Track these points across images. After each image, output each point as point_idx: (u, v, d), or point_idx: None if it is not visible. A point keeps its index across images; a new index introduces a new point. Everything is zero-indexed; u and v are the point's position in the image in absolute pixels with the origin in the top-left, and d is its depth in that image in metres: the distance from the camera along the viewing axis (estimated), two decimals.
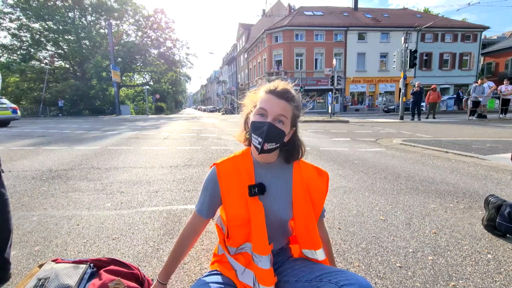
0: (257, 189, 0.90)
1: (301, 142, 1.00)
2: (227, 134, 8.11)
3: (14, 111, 11.39)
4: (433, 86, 13.79)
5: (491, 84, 12.47)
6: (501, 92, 12.20)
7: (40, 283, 0.96)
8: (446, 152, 4.77)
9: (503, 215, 1.72)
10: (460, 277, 1.35)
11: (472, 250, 1.61)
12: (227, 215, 0.94)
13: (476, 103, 12.63)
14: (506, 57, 32.22)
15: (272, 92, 0.89)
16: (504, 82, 12.16)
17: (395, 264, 1.46)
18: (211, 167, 1.00)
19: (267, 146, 0.87)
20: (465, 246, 1.65)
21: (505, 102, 12.43)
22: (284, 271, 0.96)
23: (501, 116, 12.57)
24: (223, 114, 31.71)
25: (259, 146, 0.87)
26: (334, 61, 17.76)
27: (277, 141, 0.88)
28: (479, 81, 12.78)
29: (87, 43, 30.83)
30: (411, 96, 13.80)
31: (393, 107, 24.83)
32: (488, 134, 7.28)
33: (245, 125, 1.00)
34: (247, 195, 0.91)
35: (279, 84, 0.91)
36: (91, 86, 29.42)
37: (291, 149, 0.98)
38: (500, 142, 5.75)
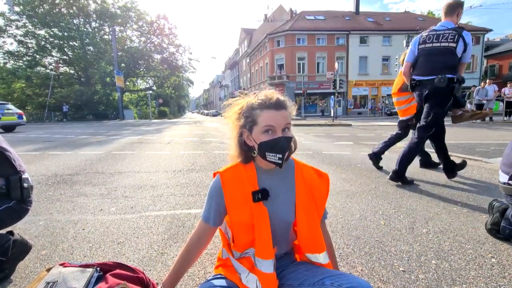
0: (261, 195, 0.92)
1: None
2: (229, 139, 8.12)
3: (20, 116, 11.56)
4: None
5: (496, 87, 12.40)
6: (504, 94, 12.14)
7: (49, 287, 0.98)
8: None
9: (508, 219, 1.72)
10: (464, 281, 1.35)
11: (476, 254, 1.60)
12: (232, 222, 0.96)
13: (480, 106, 12.57)
14: (510, 59, 32.08)
15: (270, 106, 0.89)
16: (508, 85, 12.10)
17: (398, 268, 1.47)
18: (214, 175, 1.01)
19: (286, 156, 0.92)
20: (469, 250, 1.65)
21: (509, 104, 12.36)
22: (287, 275, 0.97)
23: (505, 118, 12.49)
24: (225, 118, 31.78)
25: (280, 162, 0.90)
26: (336, 64, 17.86)
27: (290, 148, 0.94)
28: (482, 83, 12.74)
29: (92, 49, 31.32)
30: None
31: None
32: (492, 137, 7.23)
33: (241, 146, 0.98)
34: (251, 202, 0.92)
35: (271, 95, 0.91)
36: (95, 91, 29.78)
37: None
38: (504, 145, 5.71)
